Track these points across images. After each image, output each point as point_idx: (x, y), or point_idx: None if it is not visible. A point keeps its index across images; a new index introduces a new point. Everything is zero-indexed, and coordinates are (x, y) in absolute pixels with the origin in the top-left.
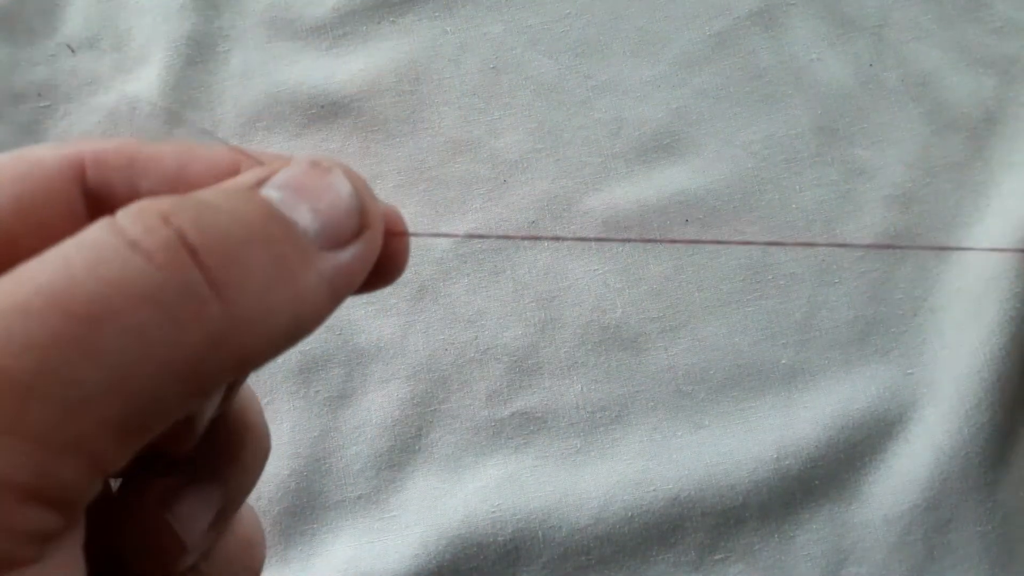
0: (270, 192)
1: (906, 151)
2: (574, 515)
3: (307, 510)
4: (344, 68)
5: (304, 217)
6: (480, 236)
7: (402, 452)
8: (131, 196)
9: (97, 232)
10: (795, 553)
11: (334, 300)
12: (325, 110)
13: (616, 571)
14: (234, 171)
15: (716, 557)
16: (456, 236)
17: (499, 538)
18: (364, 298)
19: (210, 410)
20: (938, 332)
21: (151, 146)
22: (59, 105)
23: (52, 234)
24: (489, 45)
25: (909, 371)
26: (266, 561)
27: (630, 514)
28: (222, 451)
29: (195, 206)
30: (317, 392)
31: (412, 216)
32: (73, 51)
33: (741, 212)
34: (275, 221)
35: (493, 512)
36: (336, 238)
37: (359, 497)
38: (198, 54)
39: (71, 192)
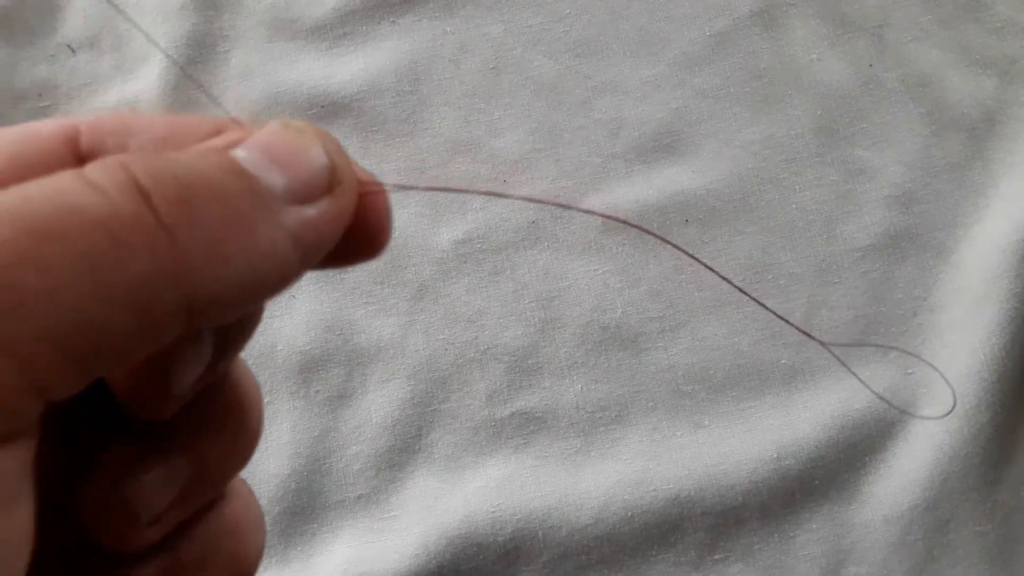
0: (238, 152)
1: (906, 151)
2: (574, 515)
3: (307, 510)
4: (344, 68)
5: (269, 173)
6: (454, 191)
7: (402, 452)
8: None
9: (60, 174)
10: (795, 553)
11: (302, 256)
12: (325, 110)
13: (616, 571)
14: (219, 131)
15: (716, 557)
16: (437, 189)
17: (499, 538)
18: (364, 298)
19: (190, 376)
20: (938, 332)
21: (144, 115)
22: (59, 105)
23: None
24: (489, 45)
25: (909, 371)
26: (266, 561)
27: (630, 514)
28: (200, 423)
29: (157, 159)
30: (317, 392)
31: (412, 215)
32: (73, 51)
33: (741, 212)
34: (234, 175)
35: (493, 512)
36: (303, 193)
37: (359, 497)
38: (198, 54)
39: (65, 156)
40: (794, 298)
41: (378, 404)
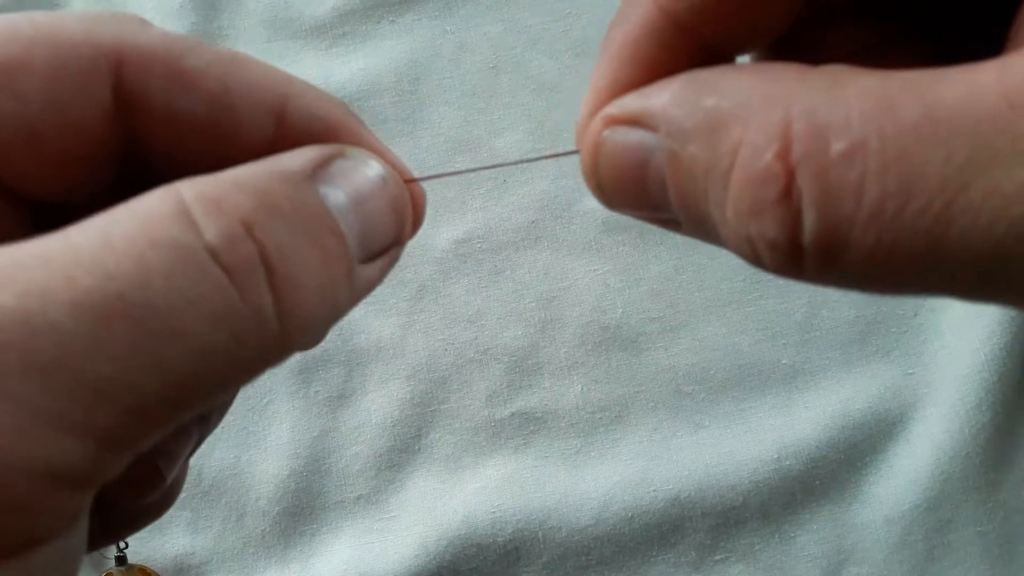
0: (330, 194)
1: None
2: (574, 515)
3: (307, 510)
4: (344, 68)
5: (353, 231)
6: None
7: (402, 452)
8: (166, 109)
9: (173, 227)
10: (795, 553)
11: (351, 306)
12: None
13: (616, 571)
14: (278, 107)
15: (716, 557)
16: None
17: (499, 538)
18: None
19: (181, 459)
20: (938, 332)
21: (195, 58)
22: None
23: (79, 134)
24: (489, 45)
25: (909, 371)
26: (266, 561)
27: (630, 514)
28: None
29: (268, 211)
30: (317, 392)
31: None
32: None
33: None
34: (335, 237)
35: (493, 512)
36: (372, 255)
37: (359, 497)
38: None
39: (103, 90)
40: (794, 298)
41: (378, 404)
